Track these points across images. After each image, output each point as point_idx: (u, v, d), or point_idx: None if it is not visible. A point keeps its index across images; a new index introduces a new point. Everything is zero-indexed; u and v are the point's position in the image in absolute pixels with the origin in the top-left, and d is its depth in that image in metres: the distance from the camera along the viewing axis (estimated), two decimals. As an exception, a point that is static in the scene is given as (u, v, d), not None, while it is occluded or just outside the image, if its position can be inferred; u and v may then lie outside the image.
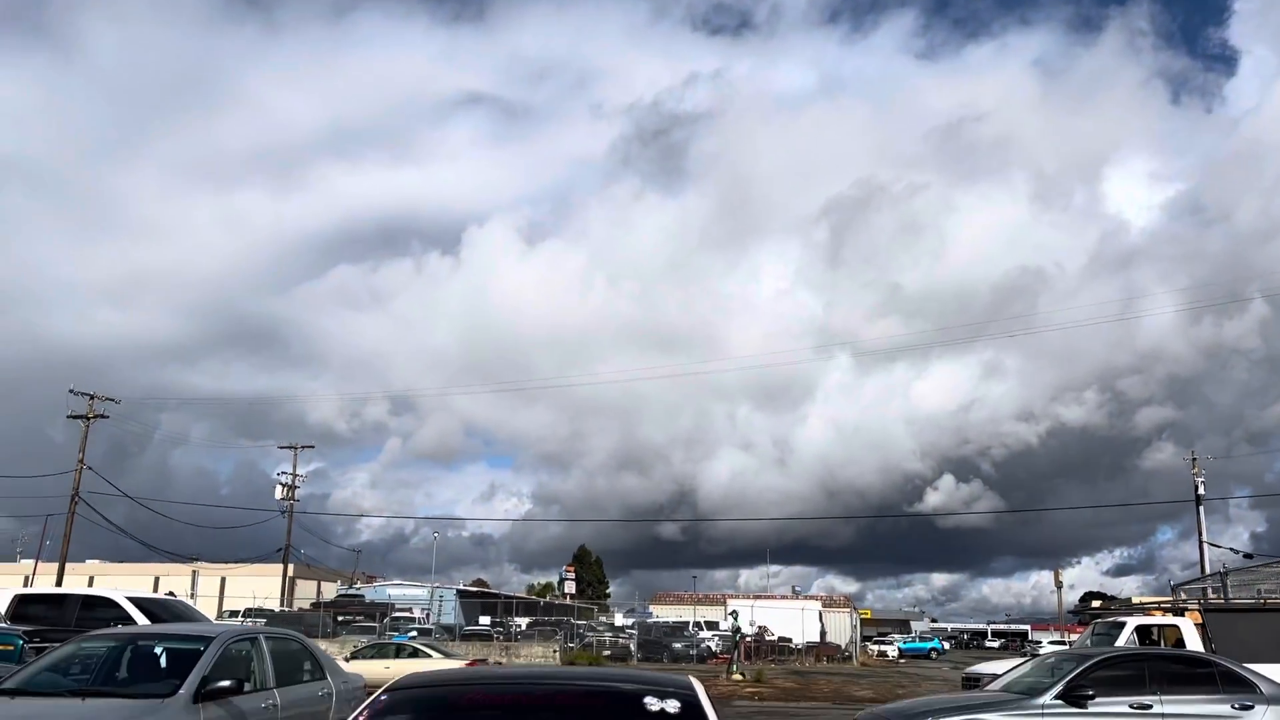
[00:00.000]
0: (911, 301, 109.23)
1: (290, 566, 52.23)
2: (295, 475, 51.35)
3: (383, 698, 4.38)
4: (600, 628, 46.53)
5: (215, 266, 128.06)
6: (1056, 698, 10.15)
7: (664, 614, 52.82)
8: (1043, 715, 10.03)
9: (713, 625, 44.50)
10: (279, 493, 51.37)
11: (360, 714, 4.29)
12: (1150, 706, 10.13)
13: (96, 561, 57.55)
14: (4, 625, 12.74)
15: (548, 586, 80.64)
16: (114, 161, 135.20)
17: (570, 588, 75.76)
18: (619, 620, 50.98)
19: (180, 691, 7.41)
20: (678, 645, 40.07)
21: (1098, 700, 10.12)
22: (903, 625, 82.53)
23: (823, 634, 54.47)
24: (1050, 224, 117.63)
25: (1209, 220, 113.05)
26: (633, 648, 40.04)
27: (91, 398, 40.85)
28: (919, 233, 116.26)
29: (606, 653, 39.08)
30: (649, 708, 4.18)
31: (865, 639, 58.25)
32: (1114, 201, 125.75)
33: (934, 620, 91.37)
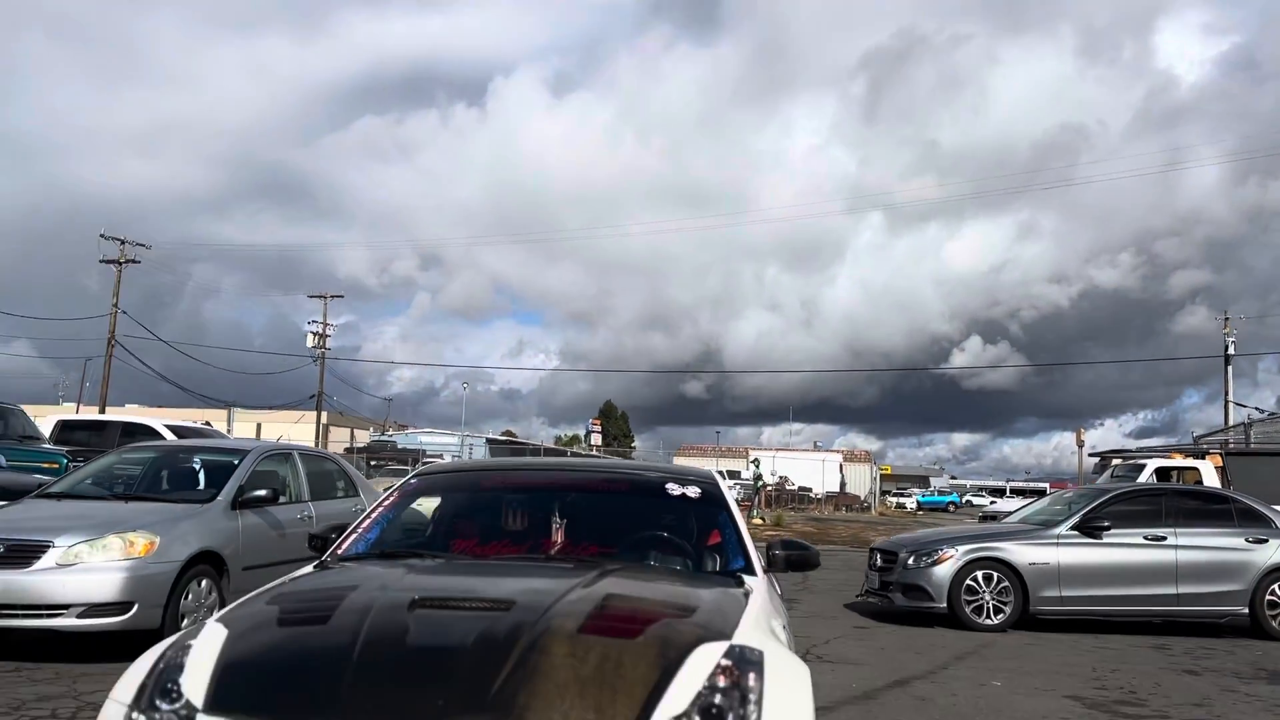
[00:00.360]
0: (948, 159, 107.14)
1: (324, 414, 53.33)
2: (325, 324, 51.93)
3: (412, 480, 4.51)
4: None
5: (241, 116, 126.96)
6: (1073, 529, 10.34)
7: (687, 465, 53.80)
8: (1058, 545, 10.24)
9: (735, 475, 45.37)
10: (310, 340, 52.08)
11: (390, 494, 4.42)
12: (1164, 538, 10.31)
13: (135, 406, 58.96)
14: (49, 445, 13.16)
15: (574, 439, 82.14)
16: (136, 6, 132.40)
17: (596, 440, 77.22)
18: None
19: (218, 498, 7.68)
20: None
21: (1112, 532, 10.30)
22: (922, 481, 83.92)
23: (842, 485, 55.49)
24: (1096, 79, 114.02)
25: (1262, 77, 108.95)
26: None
27: (122, 243, 41.19)
28: (959, 87, 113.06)
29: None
30: (670, 492, 4.29)
31: (884, 493, 59.31)
32: (1164, 55, 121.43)
33: (953, 478, 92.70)
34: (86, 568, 6.54)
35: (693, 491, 4.28)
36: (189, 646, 2.80)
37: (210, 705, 2.54)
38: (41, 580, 6.46)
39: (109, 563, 6.60)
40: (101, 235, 41.14)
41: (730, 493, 4.34)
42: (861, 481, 59.02)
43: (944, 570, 10.16)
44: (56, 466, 11.08)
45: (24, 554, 6.63)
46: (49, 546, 6.62)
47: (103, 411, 39.79)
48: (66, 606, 6.46)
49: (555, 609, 2.92)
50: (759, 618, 3.19)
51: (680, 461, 58.04)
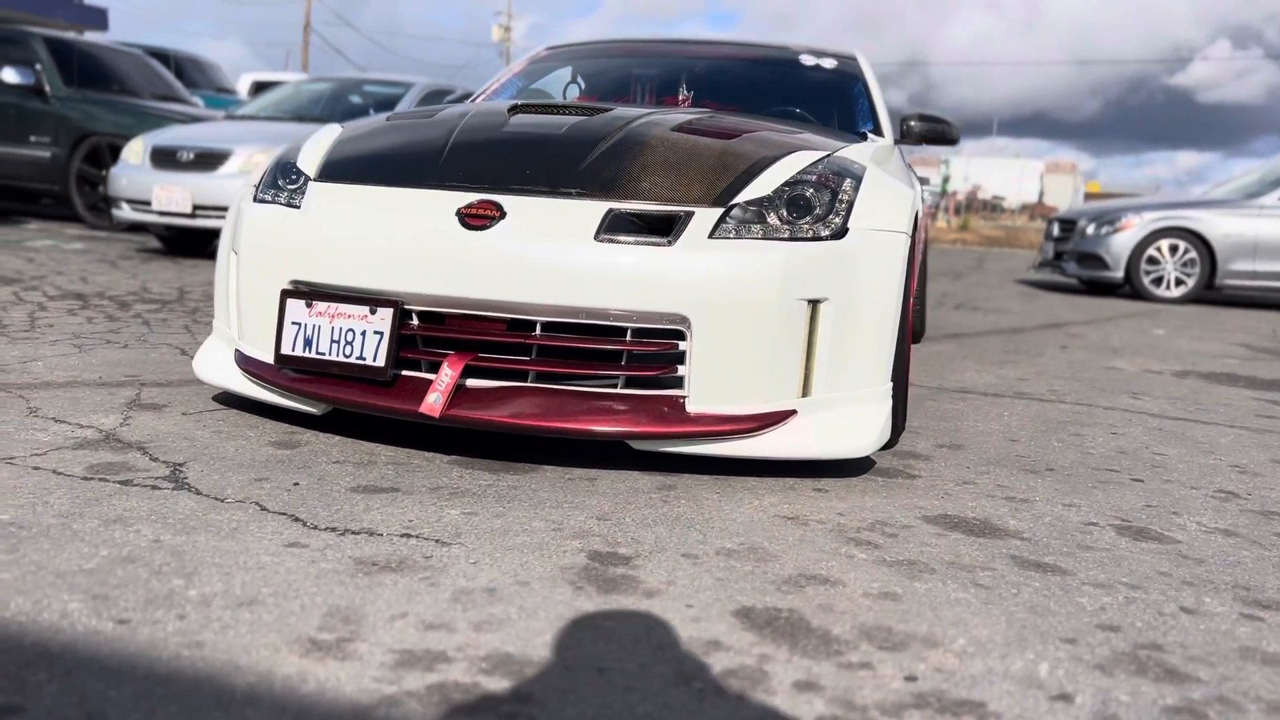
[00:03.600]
0: None
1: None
2: (509, 15, 51.26)
3: (542, 50, 4.47)
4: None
5: None
6: None
7: (875, 170, 52.07)
8: (1260, 214, 9.47)
9: (924, 181, 43.58)
10: (495, 34, 51.77)
11: (518, 63, 4.40)
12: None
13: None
14: (242, 97, 13.83)
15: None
16: None
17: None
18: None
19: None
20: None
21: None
22: (1130, 199, 78.69)
23: (1041, 196, 52.69)
24: None
25: None
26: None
27: (311, -75, 41.05)
28: None
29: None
30: (804, 62, 4.10)
31: (1086, 206, 56.02)
32: None
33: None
34: (264, 173, 6.99)
35: (828, 63, 4.07)
36: (307, 138, 2.96)
37: (321, 175, 2.69)
38: (226, 183, 6.95)
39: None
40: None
41: (870, 70, 4.10)
42: (1062, 194, 55.76)
43: (1125, 238, 9.62)
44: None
45: (210, 160, 7.13)
46: (230, 154, 7.07)
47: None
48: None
49: (651, 116, 2.88)
50: (875, 154, 3.06)
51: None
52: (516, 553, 1.86)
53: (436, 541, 1.89)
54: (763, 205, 2.46)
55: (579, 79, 4.31)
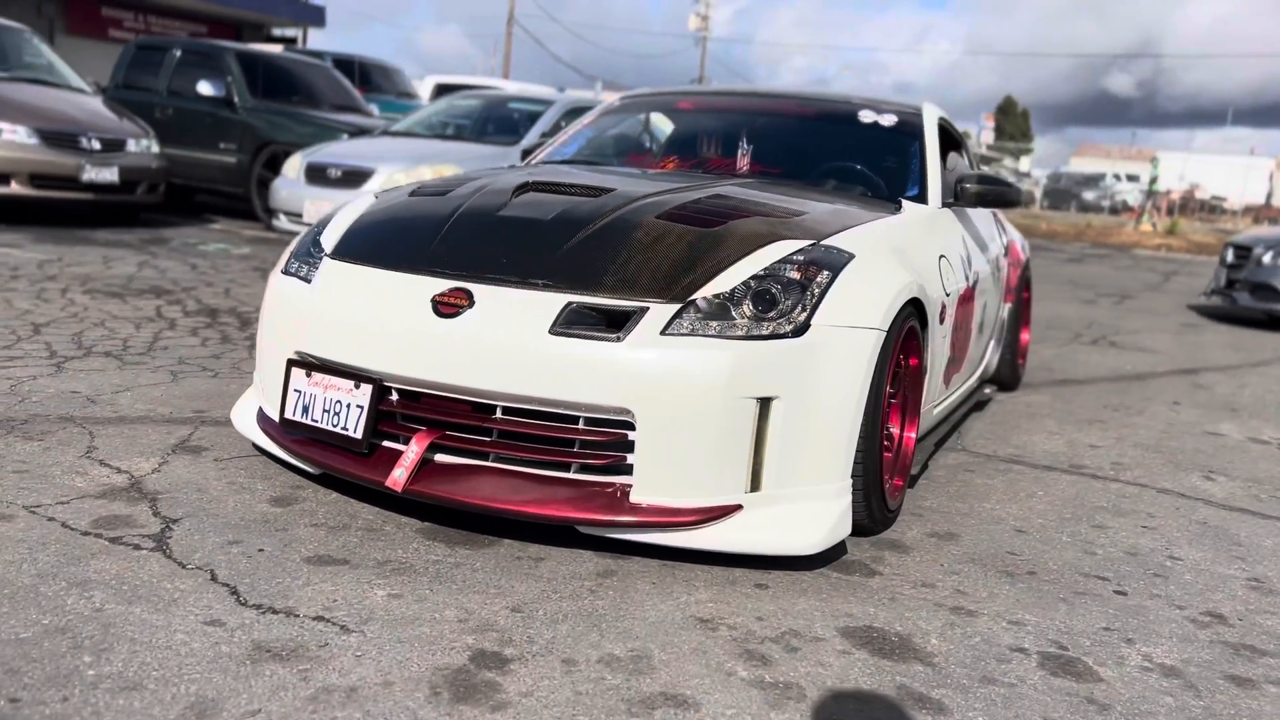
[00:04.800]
0: None
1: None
2: (707, 4, 51.38)
3: (615, 101, 4.59)
4: (1003, 172, 44.71)
5: None
6: None
7: (1083, 167, 49.44)
8: None
9: (1134, 179, 41.12)
10: (692, 23, 52.00)
11: (590, 114, 4.54)
12: None
13: (534, 86, 62.68)
14: (422, 102, 14.54)
15: (964, 135, 77.45)
16: None
17: (987, 137, 72.45)
18: (1024, 166, 48.55)
19: (521, 143, 8.24)
20: (1088, 196, 37.78)
21: None
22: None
23: (1269, 198, 48.62)
24: None
25: None
26: (1036, 194, 38.34)
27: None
28: None
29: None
30: (862, 119, 4.05)
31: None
32: None
33: None
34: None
35: (887, 120, 4.01)
36: (341, 210, 3.20)
37: (334, 252, 2.91)
38: (365, 201, 7.42)
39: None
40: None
41: (933, 126, 4.01)
42: (1297, 195, 51.14)
43: (1304, 270, 8.86)
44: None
45: (356, 178, 7.63)
46: (374, 173, 7.54)
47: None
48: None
49: (649, 199, 2.96)
50: (882, 235, 3.04)
51: (1076, 161, 53.37)
52: (407, 646, 2.01)
53: (341, 628, 2.07)
54: (725, 300, 2.51)
55: (650, 131, 4.41)
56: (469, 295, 2.57)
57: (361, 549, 2.48)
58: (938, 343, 3.28)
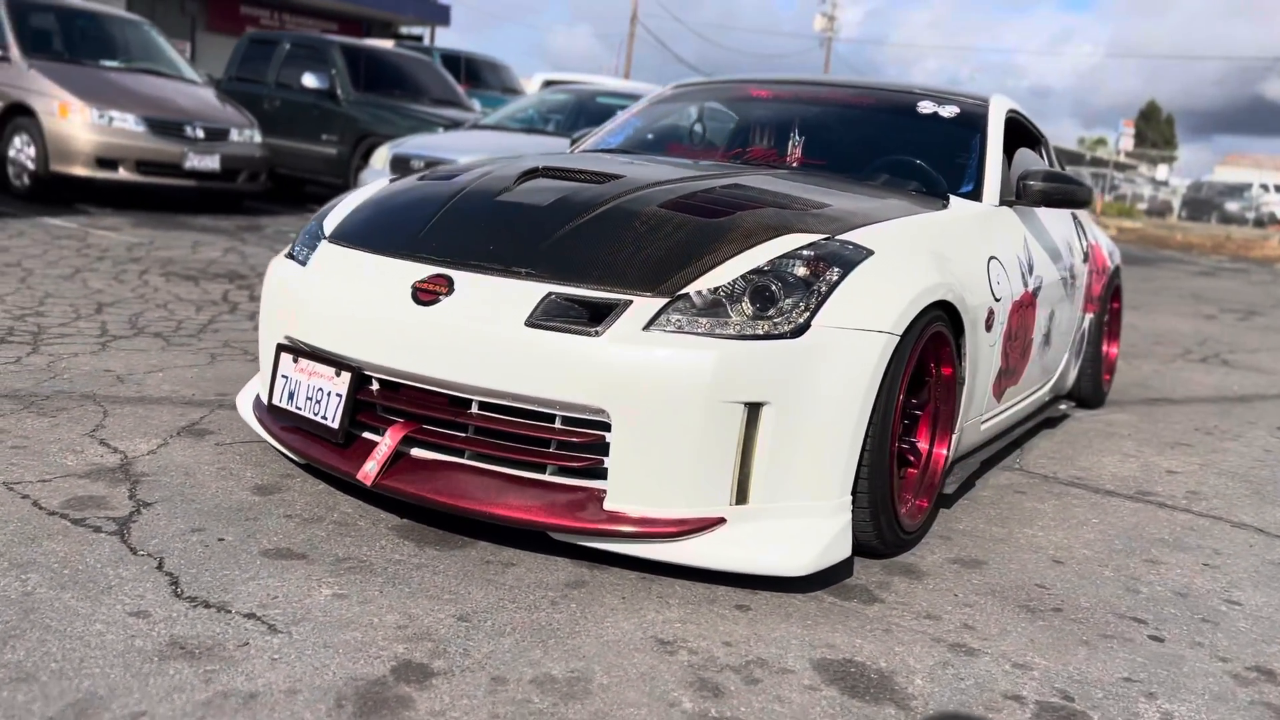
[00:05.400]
0: None
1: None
2: (834, 4, 50.62)
3: (667, 90, 4.41)
4: (1139, 180, 42.69)
5: None
6: None
7: (1229, 176, 46.86)
8: None
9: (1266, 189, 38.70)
10: (818, 23, 51.32)
11: (640, 103, 4.37)
12: None
13: (644, 84, 62.75)
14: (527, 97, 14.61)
15: (1099, 141, 74.45)
16: None
17: (1126, 144, 69.40)
18: (1161, 174, 46.27)
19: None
20: (1231, 206, 35.73)
21: None
22: None
23: None
24: None
25: None
26: (1175, 204, 36.47)
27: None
28: None
29: (1142, 205, 36.10)
30: (920, 110, 3.78)
31: None
32: None
33: None
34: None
35: (947, 111, 3.73)
36: (352, 193, 3.12)
37: (332, 235, 2.82)
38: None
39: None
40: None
41: (999, 120, 3.71)
42: None
43: None
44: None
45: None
46: (455, 164, 7.53)
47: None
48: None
49: (657, 186, 2.78)
50: (914, 232, 2.80)
51: (1221, 170, 50.65)
52: (330, 652, 1.89)
53: (270, 627, 1.95)
54: (720, 296, 2.32)
55: (702, 121, 4.22)
56: (449, 283, 2.44)
57: (325, 544, 2.37)
58: (982, 351, 3.02)
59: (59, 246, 6.45)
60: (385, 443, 2.46)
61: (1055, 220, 4.01)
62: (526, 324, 2.31)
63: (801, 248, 2.44)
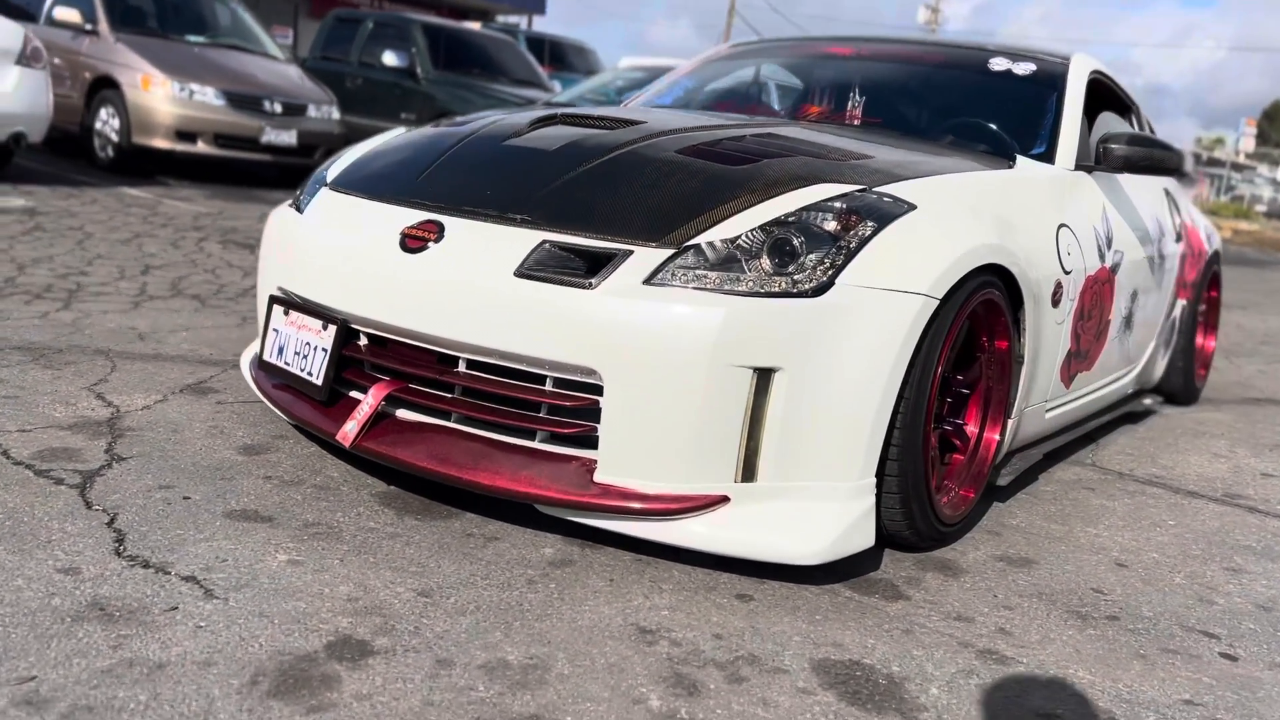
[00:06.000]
0: None
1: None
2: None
3: (723, 48, 4.15)
4: (1259, 181, 40.62)
5: None
6: None
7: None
8: None
9: None
10: (921, 15, 50.10)
11: (690, 62, 4.12)
12: None
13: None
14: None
15: (1218, 141, 71.28)
16: None
17: (1247, 144, 66.27)
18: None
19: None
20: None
21: None
22: None
23: None
24: None
25: None
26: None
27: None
28: None
29: (1261, 208, 34.34)
30: (992, 68, 3.44)
31: None
32: None
33: None
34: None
35: (1022, 68, 3.39)
36: (359, 144, 2.94)
37: (334, 182, 2.64)
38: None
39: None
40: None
41: (1081, 80, 3.36)
42: None
43: None
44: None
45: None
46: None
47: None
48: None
49: (680, 133, 2.53)
50: (967, 188, 2.50)
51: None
52: (265, 622, 1.70)
53: (207, 593, 1.77)
54: (734, 248, 2.06)
55: (758, 81, 3.94)
56: (440, 229, 2.23)
57: (298, 508, 2.19)
58: (1047, 329, 2.70)
59: (126, 214, 6.47)
60: (368, 401, 2.27)
61: (1144, 193, 3.63)
62: (516, 274, 2.09)
63: (832, 198, 2.17)
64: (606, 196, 2.20)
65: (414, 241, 2.23)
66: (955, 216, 2.31)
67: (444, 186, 2.38)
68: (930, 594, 2.13)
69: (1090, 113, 3.45)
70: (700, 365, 1.97)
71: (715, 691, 1.64)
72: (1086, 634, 2.04)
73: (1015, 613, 2.09)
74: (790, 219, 2.10)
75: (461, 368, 2.20)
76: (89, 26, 9.03)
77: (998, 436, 2.55)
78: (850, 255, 2.07)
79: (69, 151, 9.29)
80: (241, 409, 2.82)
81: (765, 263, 2.04)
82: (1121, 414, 3.79)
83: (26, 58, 7.24)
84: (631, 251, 2.07)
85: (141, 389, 2.89)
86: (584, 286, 2.03)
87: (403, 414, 2.28)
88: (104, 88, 8.90)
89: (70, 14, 9.08)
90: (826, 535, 2.03)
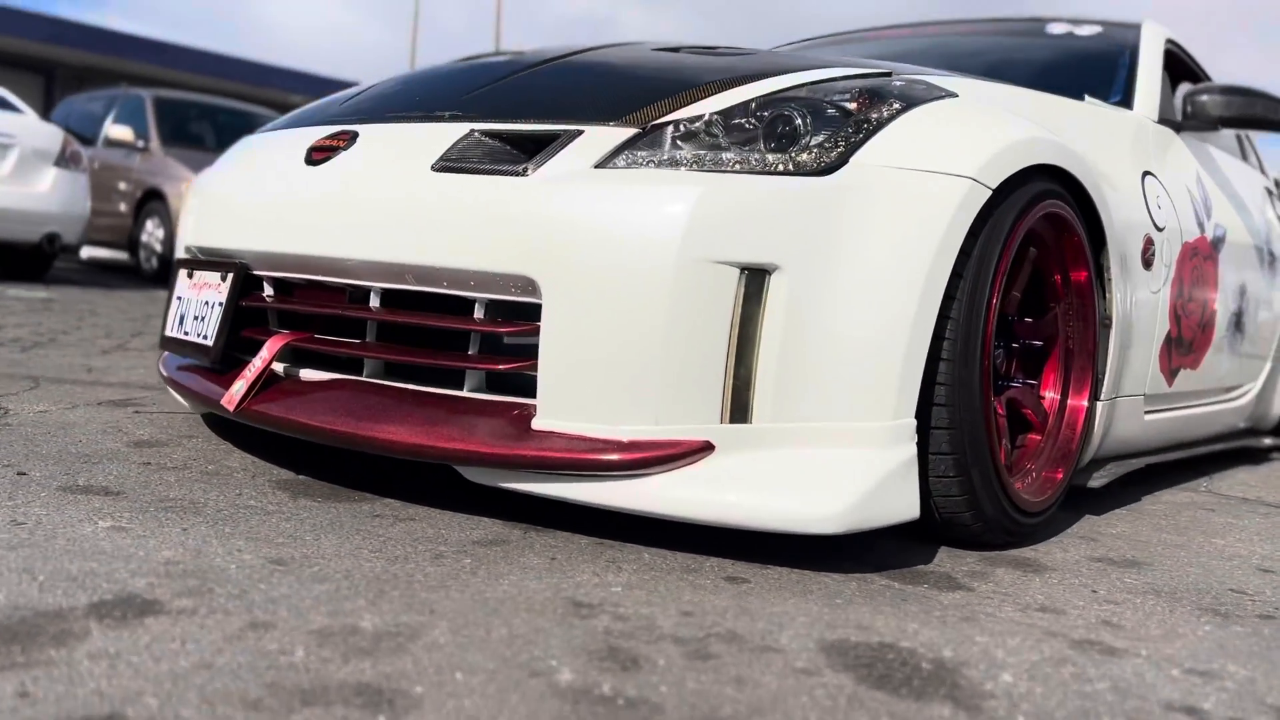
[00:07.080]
0: None
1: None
2: None
3: (795, 43, 3.77)
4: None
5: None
6: None
7: None
8: None
9: None
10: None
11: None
12: None
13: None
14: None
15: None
16: None
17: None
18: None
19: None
20: None
21: None
22: None
23: None
24: None
25: None
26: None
27: None
28: None
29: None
30: (1050, 32, 2.98)
31: None
32: None
33: None
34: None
35: (1086, 30, 2.92)
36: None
37: (264, 128, 2.24)
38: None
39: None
40: None
41: (1157, 42, 2.88)
42: None
43: None
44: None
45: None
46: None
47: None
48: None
49: (667, 49, 2.09)
50: (1023, 103, 2.01)
51: None
52: (24, 577, 1.19)
53: (-35, 547, 1.27)
54: (712, 125, 1.58)
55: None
56: (352, 137, 1.79)
57: (163, 487, 1.70)
58: (1140, 293, 2.15)
59: (147, 305, 6.23)
60: (260, 356, 1.79)
61: (1243, 181, 3.08)
62: (434, 168, 1.63)
63: (849, 76, 1.69)
64: (558, 83, 1.75)
65: (320, 154, 1.79)
66: (1006, 113, 1.81)
67: (369, 103, 1.96)
68: (1001, 586, 1.53)
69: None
70: (667, 263, 1.46)
71: (663, 668, 1.08)
72: (1231, 630, 1.42)
73: (1124, 607, 1.48)
74: (788, 95, 1.62)
75: (374, 302, 1.71)
76: (141, 144, 9.10)
77: (1085, 403, 1.96)
78: (870, 132, 1.58)
79: (120, 270, 9.27)
80: (162, 418, 2.36)
81: (759, 144, 1.55)
82: (1235, 448, 3.14)
83: (65, 159, 7.20)
84: (580, 132, 1.59)
85: (51, 400, 2.46)
86: (516, 174, 1.56)
87: (308, 374, 1.80)
88: (151, 199, 8.89)
89: (123, 132, 9.18)
90: (850, 492, 1.46)
